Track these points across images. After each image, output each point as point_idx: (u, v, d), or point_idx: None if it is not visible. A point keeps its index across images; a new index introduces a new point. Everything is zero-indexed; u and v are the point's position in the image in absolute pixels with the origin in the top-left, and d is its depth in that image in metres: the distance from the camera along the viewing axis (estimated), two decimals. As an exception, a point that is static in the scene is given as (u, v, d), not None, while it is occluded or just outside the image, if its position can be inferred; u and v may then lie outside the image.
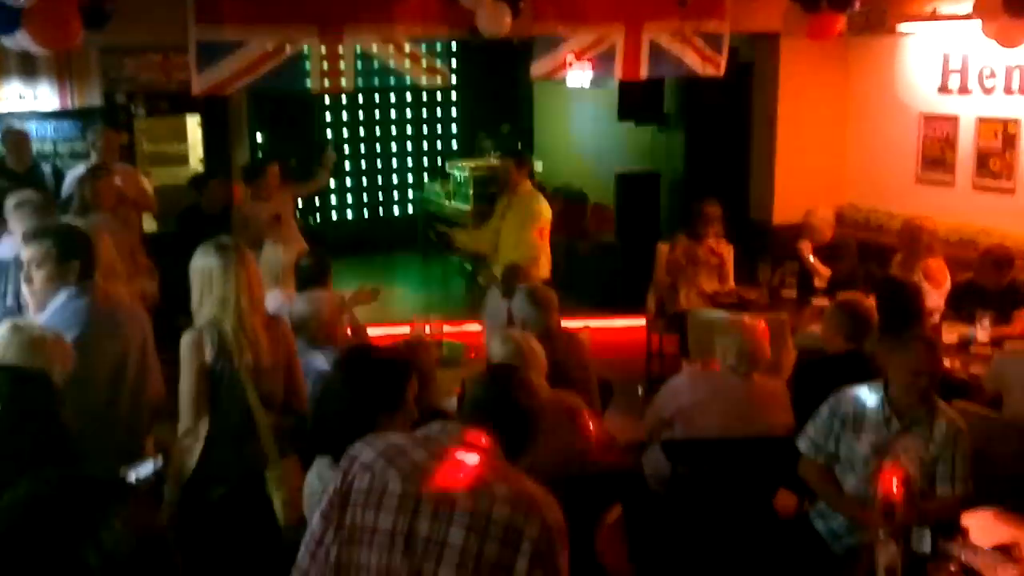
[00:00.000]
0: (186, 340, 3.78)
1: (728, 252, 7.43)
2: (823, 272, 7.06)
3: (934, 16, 7.52)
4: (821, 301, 6.63)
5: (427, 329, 6.24)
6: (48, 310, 3.77)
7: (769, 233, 8.39)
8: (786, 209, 8.29)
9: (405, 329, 6.42)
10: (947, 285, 6.58)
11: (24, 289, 3.96)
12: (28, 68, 8.18)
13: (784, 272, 7.19)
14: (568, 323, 5.56)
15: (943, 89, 7.84)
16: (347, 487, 2.45)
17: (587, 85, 8.30)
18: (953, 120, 7.77)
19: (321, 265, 5.43)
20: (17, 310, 4.47)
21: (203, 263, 3.80)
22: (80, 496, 1.74)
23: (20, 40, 5.77)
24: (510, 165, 7.39)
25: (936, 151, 7.94)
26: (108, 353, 3.76)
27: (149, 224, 8.27)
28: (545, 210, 7.33)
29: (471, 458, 2.43)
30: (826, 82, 8.68)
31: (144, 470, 3.51)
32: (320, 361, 4.59)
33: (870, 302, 5.03)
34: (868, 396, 4.04)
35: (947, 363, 5.48)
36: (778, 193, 8.68)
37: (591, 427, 4.32)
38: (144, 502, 1.82)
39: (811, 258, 7.15)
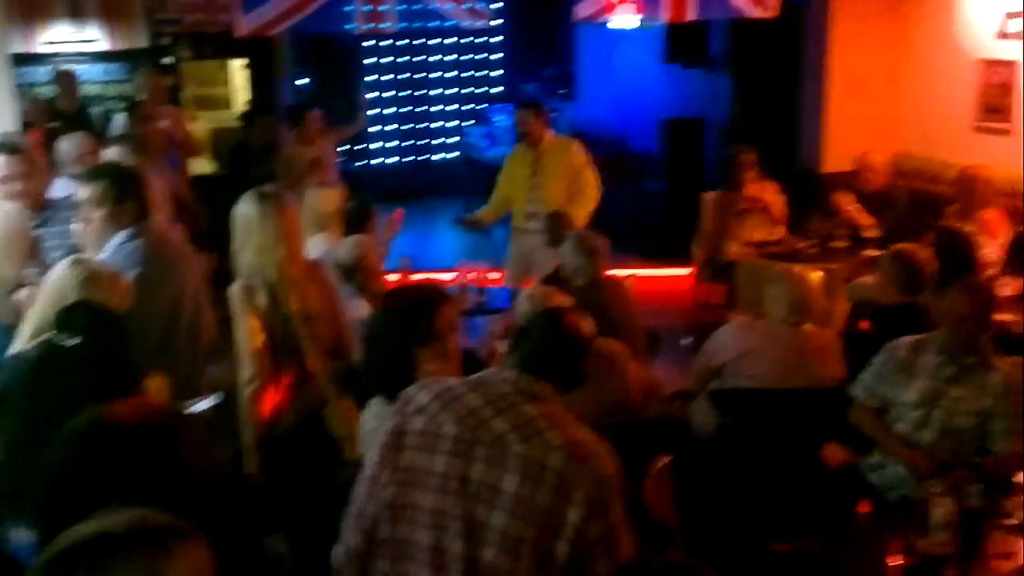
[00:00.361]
0: (236, 289, 3.81)
1: (774, 196, 7.29)
2: (864, 222, 6.94)
3: (995, -43, 7.28)
4: (872, 252, 6.52)
5: (470, 276, 6.25)
6: (105, 250, 3.81)
7: (819, 181, 8.24)
8: (837, 157, 8.13)
9: (449, 275, 6.43)
10: (1004, 237, 6.43)
11: (78, 230, 3.99)
12: (75, 9, 8.22)
13: (835, 221, 7.07)
14: (613, 272, 5.51)
15: (1002, 34, 7.60)
16: (402, 429, 2.48)
17: (635, 25, 8.14)
18: (1012, 66, 7.53)
19: (364, 210, 5.48)
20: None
21: (244, 211, 3.81)
22: (147, 426, 1.78)
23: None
24: (528, 116, 6.98)
25: (994, 98, 7.71)
26: (163, 293, 3.81)
27: (195, 167, 8.29)
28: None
29: (524, 404, 2.44)
30: (880, 25, 8.44)
31: (202, 406, 3.56)
32: (364, 306, 4.61)
33: (926, 253, 4.93)
34: (922, 344, 4.01)
35: (1003, 317, 5.39)
36: (828, 140, 8.50)
37: (633, 375, 4.31)
38: (201, 436, 1.86)
39: (850, 208, 7.03)
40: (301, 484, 3.71)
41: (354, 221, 5.39)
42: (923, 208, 7.19)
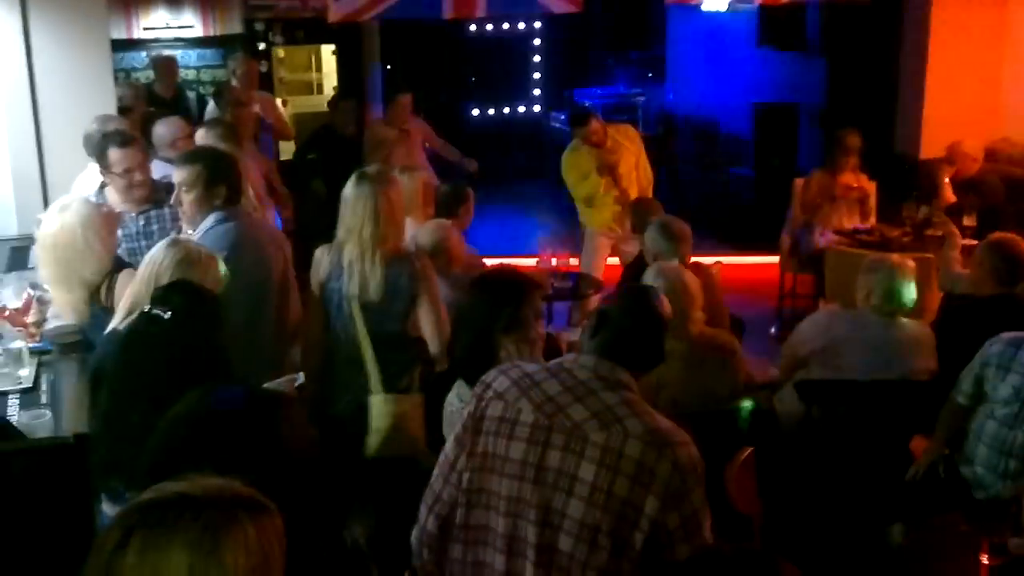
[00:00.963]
0: (316, 253, 3.97)
1: (871, 187, 7.14)
2: (949, 199, 6.78)
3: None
4: (969, 241, 6.32)
5: (553, 262, 6.25)
6: (197, 232, 3.92)
7: (916, 168, 8.00)
8: (935, 143, 7.87)
9: (531, 261, 6.45)
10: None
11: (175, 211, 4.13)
12: (174, -4, 8.43)
13: (931, 209, 6.87)
14: (699, 259, 5.45)
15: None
16: (481, 414, 2.47)
17: (725, 8, 8.02)
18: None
19: (457, 195, 5.41)
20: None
21: (350, 190, 3.89)
22: (255, 405, 1.83)
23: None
24: (599, 126, 6.92)
25: (1098, 84, 7.40)
26: (252, 276, 3.88)
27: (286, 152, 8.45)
28: None
29: (603, 392, 2.41)
30: (982, 11, 8.13)
31: (287, 385, 3.63)
32: (445, 292, 4.62)
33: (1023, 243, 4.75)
34: (1021, 340, 3.84)
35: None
36: (927, 126, 8.24)
37: (744, 370, 4.24)
38: (300, 410, 1.90)
39: (946, 180, 6.84)
40: (378, 468, 3.76)
41: (445, 204, 5.35)
42: (1021, 195, 6.94)
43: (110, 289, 3.78)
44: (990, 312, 4.44)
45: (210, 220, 3.91)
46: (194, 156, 4.10)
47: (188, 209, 3.97)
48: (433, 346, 3.92)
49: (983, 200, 6.76)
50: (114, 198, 4.51)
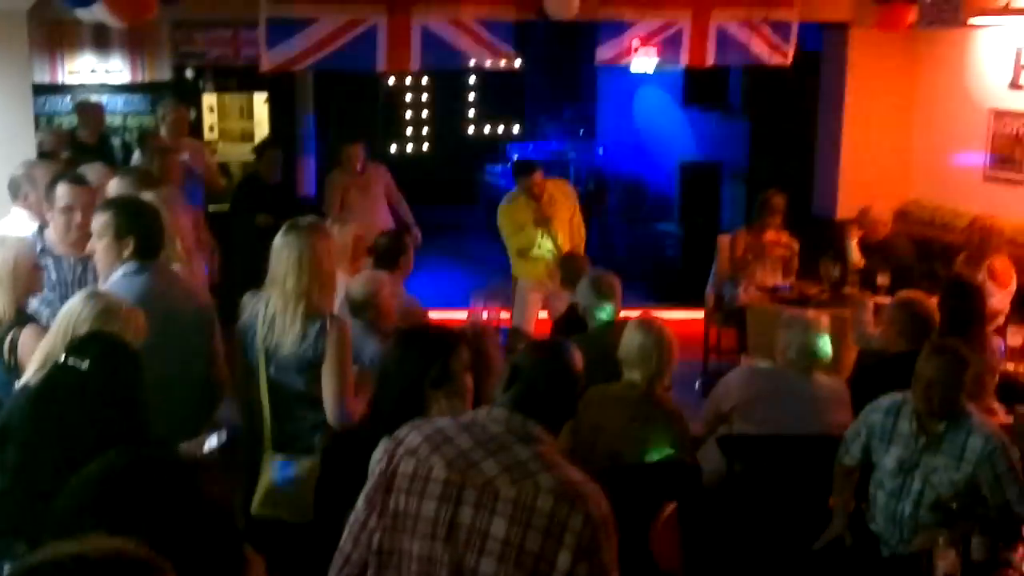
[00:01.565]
0: (243, 301, 3.94)
1: (795, 245, 7.37)
2: (858, 262, 7.05)
3: (1007, 10, 7.33)
4: (882, 299, 6.55)
5: (485, 315, 6.29)
6: (107, 283, 3.81)
7: (832, 228, 8.28)
8: (850, 204, 8.16)
9: (463, 314, 6.47)
10: (1013, 286, 6.45)
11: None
12: (101, 41, 8.32)
13: (846, 269, 7.11)
14: (625, 313, 5.54)
15: (1014, 85, 7.64)
16: (392, 471, 2.43)
17: (652, 71, 8.24)
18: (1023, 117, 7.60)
19: (395, 246, 5.35)
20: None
21: (280, 242, 3.84)
22: (153, 474, 1.80)
23: (97, 13, 5.87)
24: (539, 178, 7.13)
25: (1006, 148, 7.76)
26: (164, 331, 3.64)
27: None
28: None
29: (515, 446, 2.40)
30: (894, 75, 8.51)
31: (207, 445, 3.55)
32: (374, 346, 4.60)
33: (932, 301, 4.93)
34: (898, 409, 3.92)
35: (1012, 367, 5.40)
36: (843, 187, 8.55)
37: (683, 437, 4.31)
38: (212, 474, 1.87)
39: (853, 242, 7.11)
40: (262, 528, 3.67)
41: (383, 256, 5.30)
42: (934, 256, 7.23)
43: (13, 349, 3.63)
44: (901, 368, 4.58)
45: (119, 271, 3.79)
46: (105, 205, 4.00)
47: (99, 258, 3.88)
48: (330, 414, 3.77)
49: (893, 261, 7.02)
50: (53, 239, 4.41)
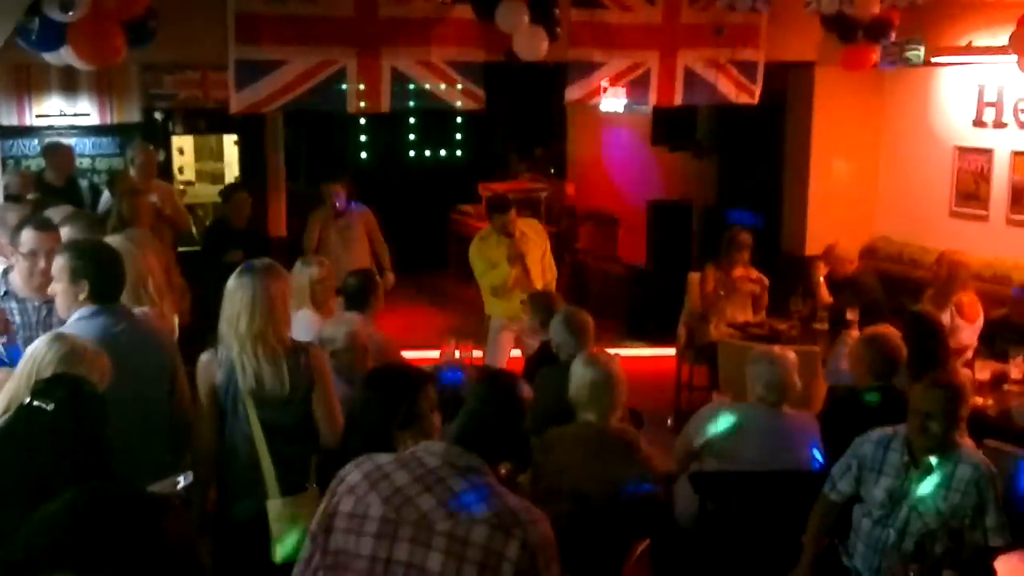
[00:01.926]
0: (202, 360, 3.83)
1: (765, 281, 7.41)
2: (826, 299, 7.11)
3: (969, 50, 7.49)
4: (852, 334, 6.59)
5: (456, 354, 6.26)
6: (66, 325, 3.77)
7: (801, 264, 8.35)
8: (818, 240, 8.24)
9: (434, 353, 6.44)
10: (980, 321, 6.51)
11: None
12: (69, 83, 8.30)
13: (816, 304, 7.16)
14: (597, 350, 5.54)
15: (978, 122, 7.79)
16: (333, 510, 2.44)
17: (621, 110, 8.33)
18: (988, 154, 7.72)
19: (364, 287, 5.32)
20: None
21: (236, 285, 3.80)
22: (116, 509, 1.77)
23: (64, 56, 5.85)
24: (513, 215, 7.14)
25: (970, 185, 7.89)
26: (115, 377, 3.51)
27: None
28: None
29: (452, 478, 2.39)
30: (860, 113, 8.65)
31: (167, 487, 3.49)
32: (346, 390, 4.56)
33: (897, 337, 4.95)
34: (889, 440, 3.95)
35: (980, 401, 5.43)
36: (811, 224, 8.65)
37: (647, 466, 4.29)
38: (180, 513, 1.84)
39: (821, 279, 7.17)
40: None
41: (353, 297, 5.27)
42: (902, 291, 7.29)
43: None
44: (869, 403, 4.62)
45: (76, 314, 3.75)
46: (62, 248, 3.97)
47: (58, 301, 3.85)
48: (326, 438, 3.81)
49: (862, 297, 7.07)
50: (18, 283, 4.37)
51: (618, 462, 4.16)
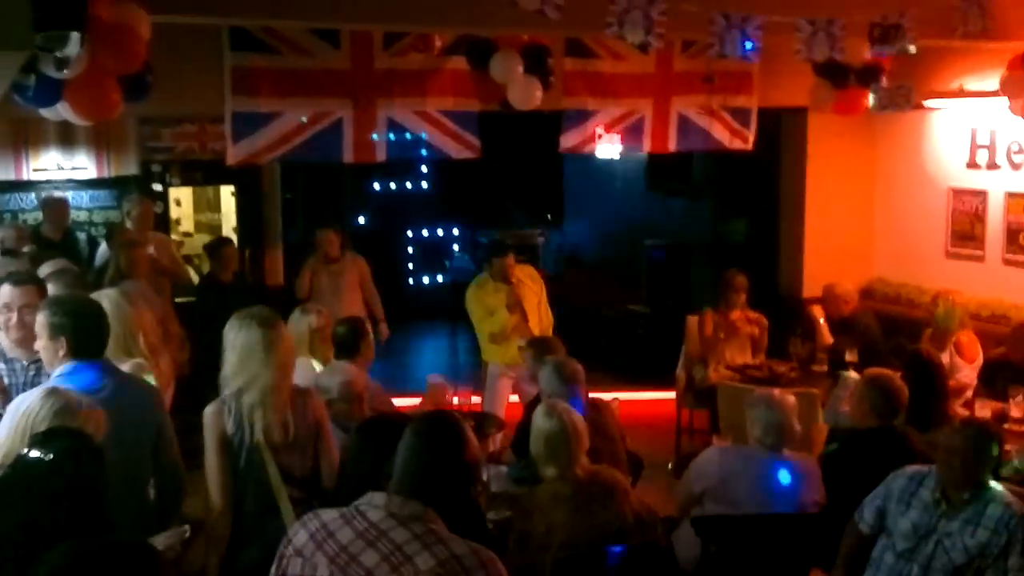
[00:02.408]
0: (208, 411, 3.79)
1: (764, 322, 7.41)
2: (827, 340, 7.11)
3: (961, 93, 7.56)
4: (851, 375, 6.58)
5: (454, 400, 6.23)
6: (48, 383, 3.72)
7: (799, 307, 8.36)
8: (815, 283, 8.28)
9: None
10: (980, 360, 6.50)
11: None
12: (66, 137, 8.33)
13: (815, 346, 7.16)
14: (597, 395, 5.52)
15: (971, 164, 7.84)
16: (282, 573, 2.42)
17: (617, 157, 8.38)
18: (982, 195, 7.76)
19: (354, 334, 5.31)
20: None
21: (244, 336, 3.77)
22: (115, 562, 1.76)
23: (61, 111, 5.89)
24: (511, 259, 7.21)
25: (965, 225, 7.92)
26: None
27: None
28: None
29: (395, 531, 2.34)
30: (854, 156, 8.71)
31: (175, 538, 3.46)
32: (342, 436, 4.53)
33: (899, 378, 4.94)
34: (923, 476, 3.97)
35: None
36: (807, 266, 8.67)
37: (631, 503, 4.26)
38: (165, 566, 1.82)
39: (821, 320, 7.18)
40: None
41: (343, 344, 5.25)
42: (900, 332, 7.29)
43: None
44: (871, 445, 4.59)
45: (57, 371, 3.74)
46: (46, 304, 3.94)
47: (42, 357, 3.85)
48: (328, 481, 3.82)
49: (860, 338, 7.07)
50: (7, 343, 4.31)
51: (603, 507, 4.12)
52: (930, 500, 3.88)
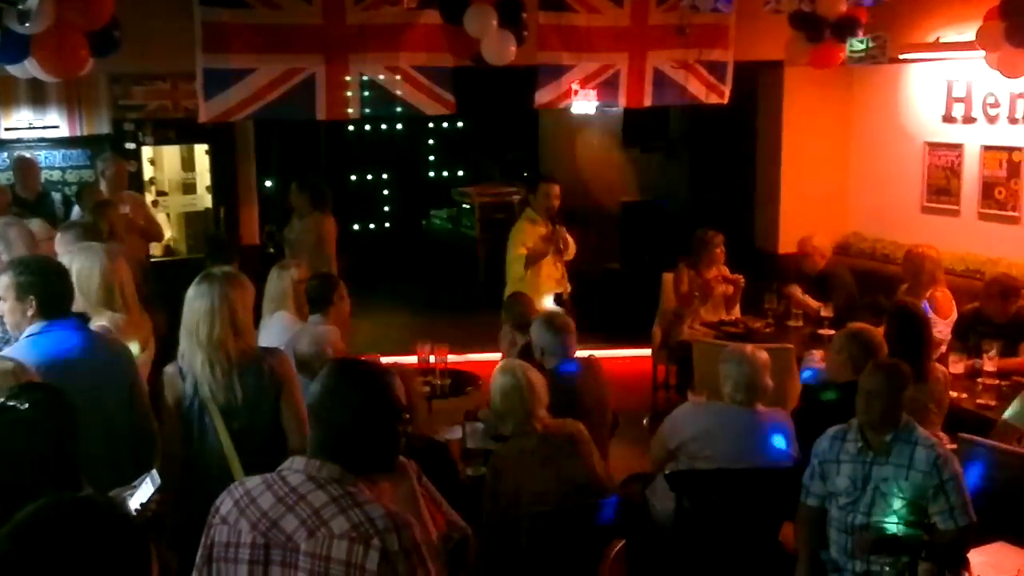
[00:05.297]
0: (167, 370, 3.81)
1: (741, 280, 7.42)
2: (813, 306, 7.11)
3: (936, 46, 7.54)
4: (826, 331, 6.64)
5: (431, 358, 6.25)
6: (17, 343, 3.74)
7: (775, 262, 8.39)
8: (791, 238, 8.28)
9: (411, 358, 6.44)
10: (953, 315, 6.55)
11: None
12: (37, 95, 8.23)
13: (790, 301, 7.20)
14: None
15: (947, 118, 7.85)
16: (211, 541, 2.40)
17: (592, 112, 8.34)
18: (958, 149, 7.78)
19: (325, 285, 5.29)
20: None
21: (191, 294, 3.79)
22: (82, 520, 1.76)
23: (29, 68, 5.81)
24: (548, 192, 7.26)
25: (941, 180, 7.95)
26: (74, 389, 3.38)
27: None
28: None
29: (313, 494, 2.32)
30: (830, 110, 8.71)
31: (139, 495, 3.44)
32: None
33: (879, 332, 4.97)
34: (843, 432, 4.05)
35: (955, 395, 5.46)
36: (783, 222, 8.69)
37: (593, 455, 4.31)
38: (139, 529, 1.83)
39: (802, 296, 7.21)
40: None
41: (315, 298, 5.21)
42: (875, 287, 7.33)
43: None
44: (847, 397, 4.63)
45: (27, 331, 3.73)
46: (11, 264, 3.93)
47: (7, 319, 3.83)
48: (294, 444, 3.77)
49: (834, 293, 7.11)
50: None
51: (568, 458, 4.20)
52: (854, 450, 3.96)
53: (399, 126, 12.78)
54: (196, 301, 3.77)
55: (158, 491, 3.29)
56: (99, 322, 4.16)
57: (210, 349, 3.72)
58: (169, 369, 3.81)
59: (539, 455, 4.13)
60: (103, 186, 7.61)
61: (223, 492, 2.46)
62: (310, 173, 8.87)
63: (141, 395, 3.92)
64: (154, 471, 3.35)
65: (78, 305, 4.03)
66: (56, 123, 8.41)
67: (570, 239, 7.28)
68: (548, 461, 4.14)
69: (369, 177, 12.92)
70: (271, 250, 8.02)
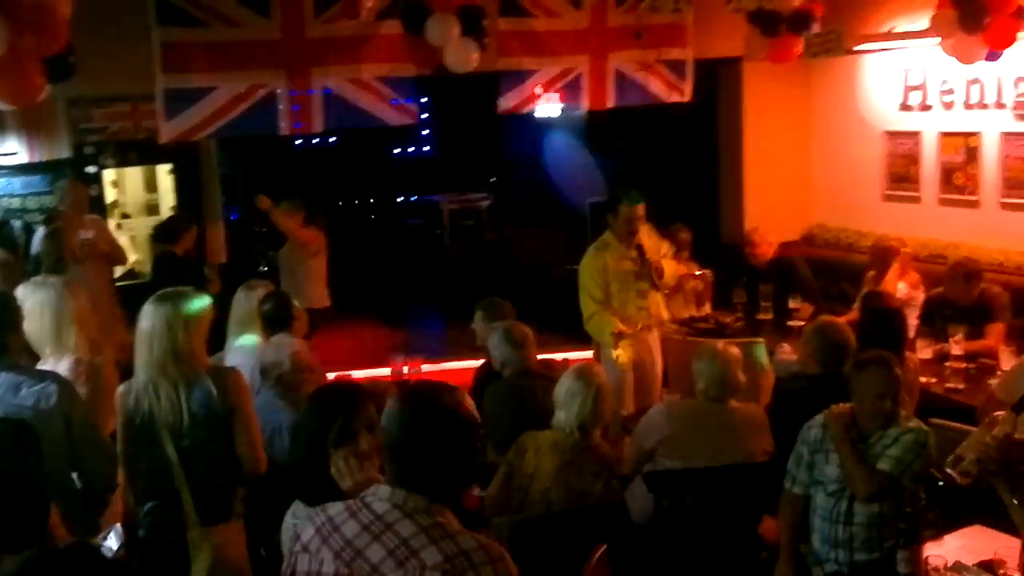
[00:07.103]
0: (118, 391, 3.80)
1: (709, 275, 7.46)
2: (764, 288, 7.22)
3: (891, 36, 7.63)
4: (797, 323, 6.70)
5: (405, 369, 6.24)
6: None
7: (741, 256, 8.44)
8: (757, 231, 8.35)
9: (384, 371, 6.42)
10: (920, 301, 6.62)
11: None
12: (-5, 123, 8.15)
13: (759, 295, 7.25)
14: (545, 355, 5.55)
15: (904, 106, 7.94)
16: (292, 571, 2.38)
17: (556, 115, 8.37)
18: (916, 136, 7.88)
19: (282, 307, 5.27)
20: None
21: (141, 315, 3.78)
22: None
23: (-16, 97, 5.75)
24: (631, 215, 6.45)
25: (901, 167, 8.04)
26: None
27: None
28: None
29: (400, 523, 2.25)
30: (790, 104, 8.79)
31: (107, 544, 3.41)
32: (286, 414, 4.56)
33: (847, 325, 5.00)
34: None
35: (924, 380, 5.53)
36: (748, 216, 8.76)
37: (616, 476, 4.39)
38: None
39: (739, 303, 7.32)
40: None
41: (273, 320, 5.21)
42: (839, 277, 7.41)
43: None
44: (819, 391, 4.67)
45: None
46: None
47: None
48: (247, 464, 3.78)
49: (795, 284, 7.16)
50: None
51: (588, 477, 4.23)
52: None
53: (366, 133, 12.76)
54: (141, 322, 3.76)
55: (123, 546, 3.27)
56: (50, 361, 4.07)
57: (152, 370, 3.70)
58: (121, 388, 3.81)
59: (567, 456, 4.22)
60: (63, 211, 7.52)
61: (304, 519, 2.40)
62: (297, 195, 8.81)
63: (84, 428, 3.79)
64: (118, 525, 3.31)
65: (32, 343, 3.99)
66: (15, 149, 8.31)
67: (666, 262, 6.38)
68: (571, 466, 4.21)
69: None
70: (264, 268, 8.04)
